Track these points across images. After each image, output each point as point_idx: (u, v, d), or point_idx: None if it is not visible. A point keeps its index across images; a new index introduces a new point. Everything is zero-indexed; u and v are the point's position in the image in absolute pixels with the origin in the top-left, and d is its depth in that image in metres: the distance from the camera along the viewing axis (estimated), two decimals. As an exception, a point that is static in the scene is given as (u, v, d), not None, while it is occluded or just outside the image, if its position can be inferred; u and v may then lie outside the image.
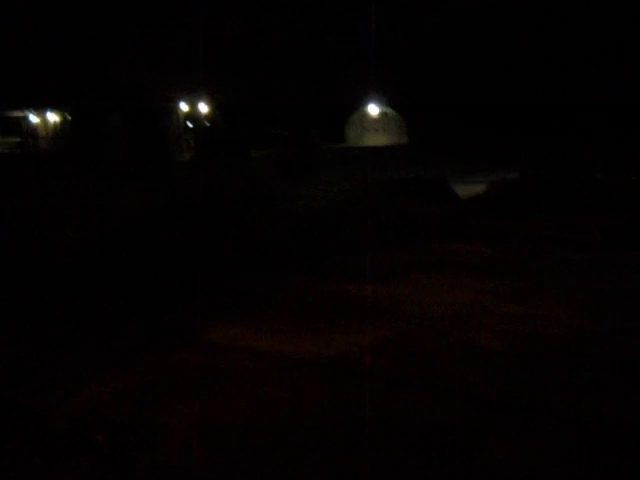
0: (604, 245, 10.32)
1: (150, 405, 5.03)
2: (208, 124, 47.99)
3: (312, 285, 8.20)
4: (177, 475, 4.16)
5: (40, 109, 44.33)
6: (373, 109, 50.97)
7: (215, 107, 48.07)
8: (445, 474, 4.02)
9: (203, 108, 48.82)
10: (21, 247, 9.27)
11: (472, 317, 6.71)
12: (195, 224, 10.66)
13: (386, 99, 49.71)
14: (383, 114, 50.92)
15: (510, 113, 35.87)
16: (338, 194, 14.04)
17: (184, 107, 45.72)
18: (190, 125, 47.73)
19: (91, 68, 45.40)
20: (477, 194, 15.23)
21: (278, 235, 9.95)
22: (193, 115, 48.45)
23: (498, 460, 4.11)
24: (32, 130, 45.81)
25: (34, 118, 45.84)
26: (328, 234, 10.31)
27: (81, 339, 6.45)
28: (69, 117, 44.19)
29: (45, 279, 7.85)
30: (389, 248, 10.27)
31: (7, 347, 6.35)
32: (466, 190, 16.90)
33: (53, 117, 45.42)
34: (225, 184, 16.27)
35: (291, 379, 5.36)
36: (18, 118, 45.61)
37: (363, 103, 51.03)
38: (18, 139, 43.77)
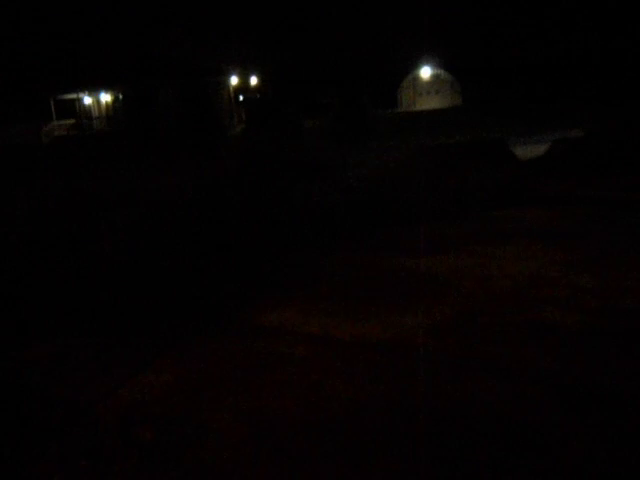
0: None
1: (199, 398, 4.74)
2: (259, 96, 47.69)
3: (366, 260, 7.79)
4: (226, 476, 3.86)
5: (93, 90, 44.71)
6: (425, 72, 49.92)
7: (266, 79, 47.74)
8: (519, 473, 3.59)
9: (253, 81, 48.51)
10: (71, 230, 9.09)
11: (540, 290, 6.20)
12: (245, 199, 10.36)
13: (438, 61, 48.62)
14: (435, 76, 49.83)
15: (572, 71, 34.38)
16: (390, 162, 13.53)
17: (234, 80, 45.42)
18: (241, 98, 47.48)
19: (141, 47, 45.59)
20: (538, 156, 14.48)
21: (329, 208, 9.55)
22: (244, 88, 48.18)
23: (577, 460, 3.65)
24: (86, 111, 46.31)
25: (88, 99, 46.29)
26: (382, 204, 9.86)
27: (128, 327, 6.22)
28: (121, 97, 44.50)
29: (90, 264, 7.64)
30: (447, 217, 9.78)
31: (53, 337, 6.16)
32: (527, 151, 16.16)
33: (106, 97, 45.82)
34: (275, 157, 15.93)
35: (347, 366, 4.99)
36: (72, 100, 46.12)
37: (415, 66, 50.04)
38: (73, 121, 44.38)
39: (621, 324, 5.32)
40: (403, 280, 6.85)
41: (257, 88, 48.85)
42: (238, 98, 46.80)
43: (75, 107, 46.65)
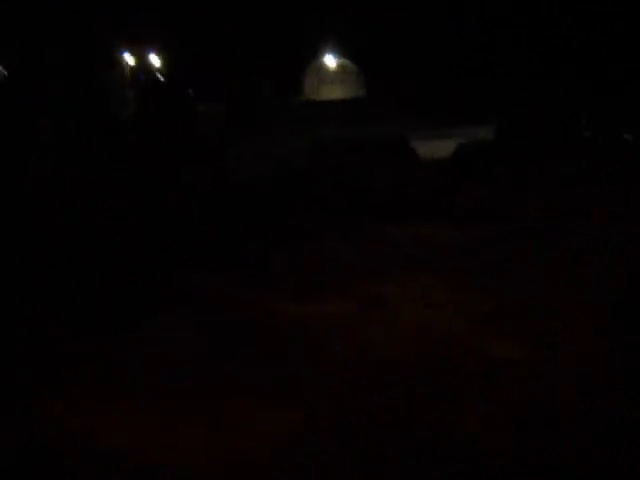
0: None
1: None
2: (158, 79, 44.93)
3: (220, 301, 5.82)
4: None
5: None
6: (330, 60, 48.18)
7: (168, 60, 45.03)
8: None
9: (154, 61, 45.67)
10: None
11: (448, 370, 4.35)
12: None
13: (344, 50, 47.00)
14: (341, 66, 48.24)
15: (480, 60, 33.32)
16: (275, 161, 11.68)
17: (131, 60, 42.48)
18: (137, 79, 44.58)
19: (24, 12, 42.18)
20: (443, 157, 12.98)
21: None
22: (144, 69, 45.27)
23: None
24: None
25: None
26: (246, 212, 7.98)
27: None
28: (4, 71, 41.08)
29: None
30: (334, 228, 7.99)
31: None
32: (431, 150, 14.70)
33: (-14, 70, 42.07)
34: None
35: None
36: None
37: (319, 53, 48.21)
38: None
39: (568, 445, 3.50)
40: (254, 340, 4.87)
41: (159, 70, 46.03)
42: (139, 79, 43.91)
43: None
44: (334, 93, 47.95)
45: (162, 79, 43.89)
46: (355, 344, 4.59)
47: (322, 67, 49.64)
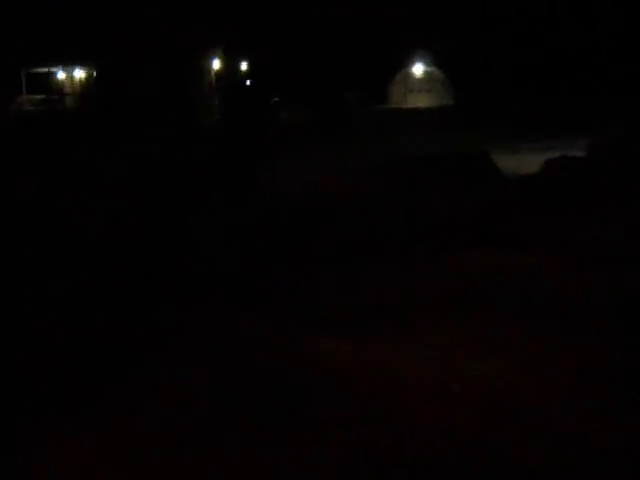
0: None
1: None
2: (241, 84, 45.29)
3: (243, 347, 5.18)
4: None
5: (68, 65, 42.42)
6: (417, 69, 47.42)
7: (255, 66, 45.28)
8: None
9: (243, 67, 46.01)
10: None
11: (511, 445, 3.58)
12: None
13: (431, 58, 46.13)
14: (428, 74, 47.39)
15: (580, 72, 31.51)
16: (341, 178, 11.07)
17: (217, 65, 42.94)
18: (222, 85, 45.01)
19: (119, 22, 43.40)
20: (530, 173, 11.94)
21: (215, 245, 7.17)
22: (226, 74, 45.73)
23: None
24: (59, 87, 43.98)
25: (61, 74, 43.91)
26: (305, 235, 7.46)
27: None
28: (95, 75, 42.29)
29: None
30: (388, 255, 7.32)
31: None
32: (518, 164, 13.82)
33: (80, 74, 43.50)
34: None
35: None
36: (46, 74, 43.79)
37: (407, 62, 47.49)
38: (43, 96, 41.82)
39: None
40: (278, 396, 4.21)
41: (246, 75, 46.36)
42: (219, 85, 44.32)
43: (47, 82, 44.25)
44: (421, 101, 47.04)
45: (248, 85, 44.22)
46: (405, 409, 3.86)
47: (410, 75, 48.84)
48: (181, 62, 40.35)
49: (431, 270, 6.77)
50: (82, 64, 41.86)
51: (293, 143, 21.56)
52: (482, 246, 7.58)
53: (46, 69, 42.50)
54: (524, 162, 14.48)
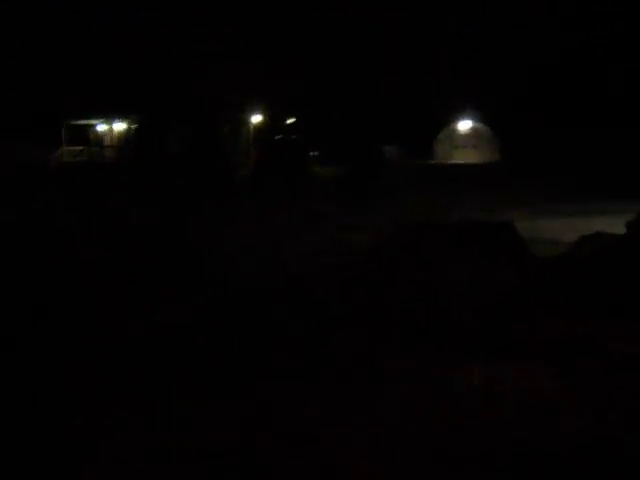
0: None
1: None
2: (281, 139, 44.69)
3: None
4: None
5: (107, 118, 42.51)
6: (463, 125, 46.22)
7: (292, 120, 44.69)
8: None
9: (279, 120, 45.53)
10: None
11: None
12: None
13: (478, 115, 44.88)
14: (474, 130, 46.10)
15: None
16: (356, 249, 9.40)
17: (257, 118, 42.51)
18: (261, 138, 44.49)
19: (159, 76, 43.69)
20: (559, 252, 9.75)
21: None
22: (266, 128, 45.26)
23: None
24: (98, 139, 44.13)
25: (101, 127, 44.12)
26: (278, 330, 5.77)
27: None
28: (133, 127, 42.36)
29: None
30: (379, 370, 5.53)
31: None
32: (552, 235, 11.95)
33: (120, 127, 43.67)
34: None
35: None
36: (85, 126, 44.09)
37: (453, 118, 46.34)
38: (83, 147, 41.80)
39: None
40: None
41: (289, 129, 45.80)
42: (256, 137, 43.79)
43: (87, 134, 44.47)
44: (467, 157, 45.51)
45: (285, 139, 43.49)
46: None
47: (456, 131, 47.45)
48: (220, 116, 40.12)
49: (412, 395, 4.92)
50: (122, 117, 41.84)
51: (318, 197, 20.42)
52: (483, 357, 5.69)
53: (86, 121, 42.53)
54: (559, 232, 12.62)
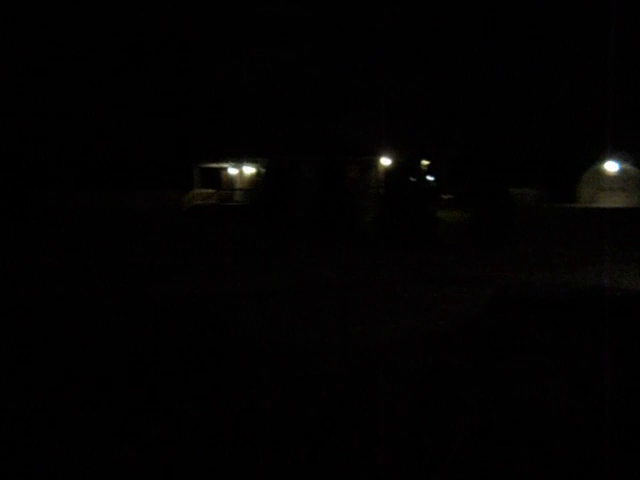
0: None
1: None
2: (416, 181, 43.11)
3: None
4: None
5: (238, 161, 42.83)
6: (610, 166, 42.45)
7: (423, 165, 43.15)
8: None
9: (411, 163, 44.04)
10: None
11: None
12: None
13: (626, 155, 41.13)
14: (622, 172, 42.19)
15: None
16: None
17: (386, 161, 41.49)
18: (389, 182, 43.30)
19: (289, 121, 43.90)
20: None
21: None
22: (396, 170, 43.93)
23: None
24: (229, 182, 44.56)
25: (232, 170, 44.52)
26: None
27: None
28: (262, 170, 42.49)
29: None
30: None
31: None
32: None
33: (250, 170, 43.90)
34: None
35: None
36: (217, 169, 44.69)
37: (599, 159, 42.85)
38: (213, 190, 42.26)
39: None
40: None
41: (417, 170, 44.17)
42: (394, 180, 42.48)
43: (218, 176, 45.08)
44: (614, 201, 41.82)
45: (417, 182, 41.83)
46: None
47: (601, 173, 43.83)
48: (348, 159, 39.32)
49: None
50: (251, 160, 42.01)
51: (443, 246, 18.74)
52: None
53: (217, 164, 43.06)
54: None
